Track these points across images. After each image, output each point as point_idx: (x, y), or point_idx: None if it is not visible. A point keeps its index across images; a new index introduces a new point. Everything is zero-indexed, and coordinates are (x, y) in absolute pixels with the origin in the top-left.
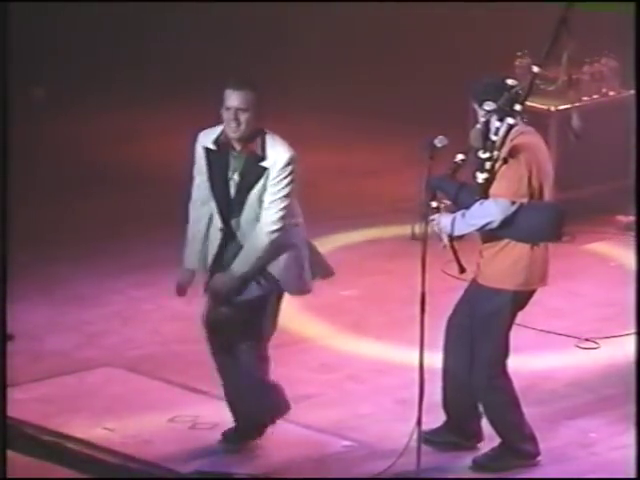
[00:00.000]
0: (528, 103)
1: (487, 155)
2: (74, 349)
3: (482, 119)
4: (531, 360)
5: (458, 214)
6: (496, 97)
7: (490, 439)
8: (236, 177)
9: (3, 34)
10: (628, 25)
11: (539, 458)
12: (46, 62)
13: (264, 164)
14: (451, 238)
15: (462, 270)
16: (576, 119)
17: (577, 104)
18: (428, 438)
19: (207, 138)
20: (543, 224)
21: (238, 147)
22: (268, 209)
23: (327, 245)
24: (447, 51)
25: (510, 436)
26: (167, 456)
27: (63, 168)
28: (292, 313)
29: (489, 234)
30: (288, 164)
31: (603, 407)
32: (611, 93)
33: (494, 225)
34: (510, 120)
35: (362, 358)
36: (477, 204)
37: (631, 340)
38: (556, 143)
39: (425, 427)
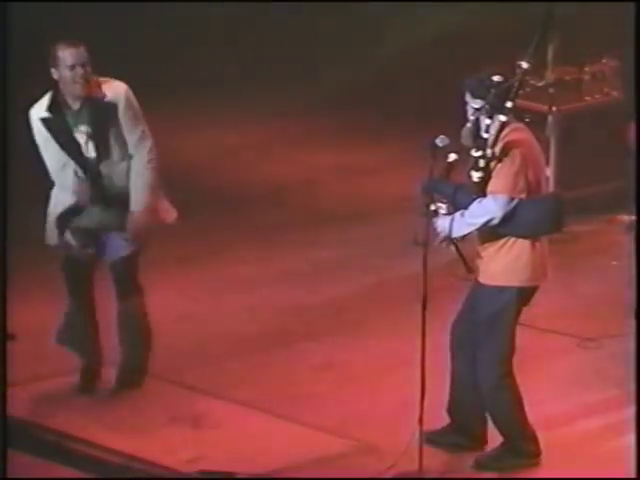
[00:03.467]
0: (528, 103)
1: (479, 153)
2: None
3: (471, 117)
4: (532, 359)
5: (457, 214)
6: (484, 94)
7: (491, 439)
8: (83, 128)
9: (3, 34)
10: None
11: (540, 458)
12: (46, 61)
13: (109, 100)
14: (453, 240)
15: (470, 270)
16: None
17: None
18: (431, 439)
19: (38, 110)
20: (543, 217)
21: (75, 104)
22: (138, 145)
23: (327, 245)
24: (447, 51)
25: (513, 435)
26: (168, 456)
27: None
28: (293, 313)
29: (487, 233)
30: (127, 94)
31: (603, 407)
32: (613, 93)
33: (495, 222)
34: (502, 117)
35: (363, 357)
36: (475, 203)
37: (631, 340)
38: (556, 143)
39: (427, 426)
